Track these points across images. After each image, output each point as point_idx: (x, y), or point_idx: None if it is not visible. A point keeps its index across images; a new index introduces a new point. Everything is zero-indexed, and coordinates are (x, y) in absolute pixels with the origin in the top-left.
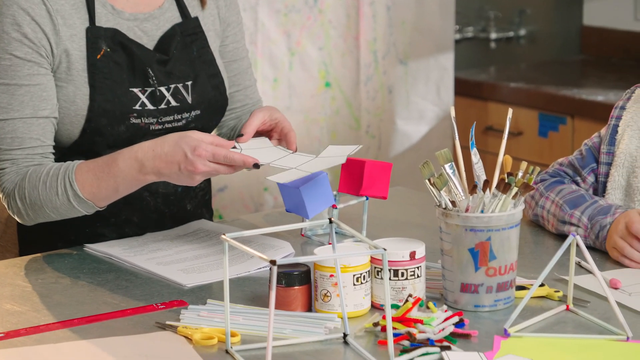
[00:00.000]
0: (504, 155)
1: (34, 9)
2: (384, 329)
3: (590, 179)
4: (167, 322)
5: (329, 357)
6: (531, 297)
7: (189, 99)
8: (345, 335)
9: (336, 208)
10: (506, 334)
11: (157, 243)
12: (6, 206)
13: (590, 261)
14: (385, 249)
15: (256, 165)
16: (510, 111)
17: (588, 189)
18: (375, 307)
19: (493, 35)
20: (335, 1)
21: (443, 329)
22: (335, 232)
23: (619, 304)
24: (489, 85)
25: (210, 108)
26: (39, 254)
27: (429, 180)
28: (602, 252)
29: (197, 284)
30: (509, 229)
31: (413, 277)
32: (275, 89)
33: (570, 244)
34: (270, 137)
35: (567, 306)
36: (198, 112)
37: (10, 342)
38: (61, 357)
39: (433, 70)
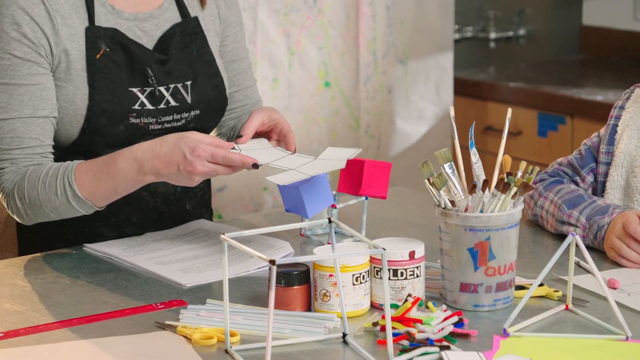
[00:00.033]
0: (504, 155)
1: (33, 9)
2: (383, 328)
3: (590, 178)
4: (167, 322)
5: (328, 356)
6: (530, 297)
7: (189, 99)
8: (344, 335)
9: (335, 208)
10: (505, 334)
11: (157, 243)
12: (5, 206)
13: (589, 261)
14: (384, 249)
15: (255, 166)
16: (509, 111)
17: (587, 188)
18: (375, 306)
19: (492, 35)
20: (335, 1)
21: (442, 329)
22: (335, 232)
23: (619, 304)
24: (488, 85)
25: (209, 108)
26: (38, 254)
27: (429, 180)
28: (601, 252)
29: (197, 284)
30: (508, 229)
31: (412, 276)
32: (275, 89)
33: (569, 244)
34: (269, 138)
35: (567, 306)
36: (197, 112)
37: (9, 342)
38: (60, 356)
39: (432, 70)
